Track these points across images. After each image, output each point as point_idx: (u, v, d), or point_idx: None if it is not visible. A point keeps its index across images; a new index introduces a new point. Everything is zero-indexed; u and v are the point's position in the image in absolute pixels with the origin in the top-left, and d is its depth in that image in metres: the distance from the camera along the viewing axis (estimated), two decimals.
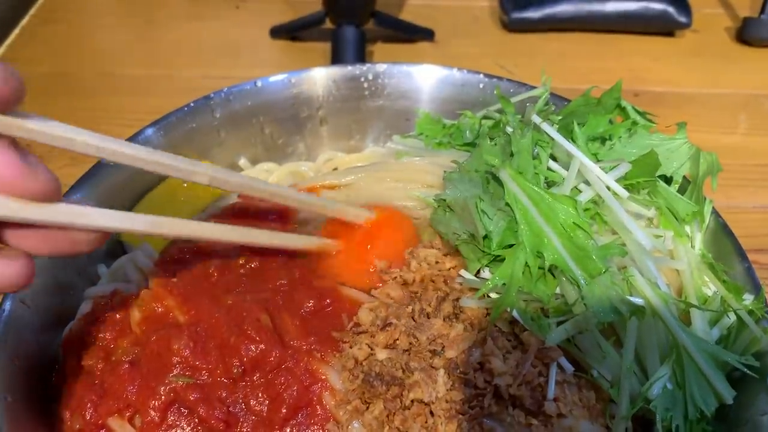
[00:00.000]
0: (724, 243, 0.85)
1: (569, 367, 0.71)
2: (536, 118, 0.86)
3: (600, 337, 0.71)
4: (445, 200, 0.83)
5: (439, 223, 0.84)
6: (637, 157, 0.81)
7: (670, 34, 1.74)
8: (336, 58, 1.51)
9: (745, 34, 1.68)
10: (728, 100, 1.54)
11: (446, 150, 1.02)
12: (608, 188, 0.79)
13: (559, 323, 0.71)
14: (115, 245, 0.98)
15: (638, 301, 0.71)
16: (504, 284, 0.74)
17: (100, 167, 0.96)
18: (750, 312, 0.75)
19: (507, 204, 0.76)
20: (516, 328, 0.73)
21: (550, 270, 0.74)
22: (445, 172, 0.85)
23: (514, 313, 0.72)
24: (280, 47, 1.70)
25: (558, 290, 0.74)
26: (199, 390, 0.69)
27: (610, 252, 0.72)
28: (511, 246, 0.75)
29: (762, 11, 1.64)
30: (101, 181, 0.95)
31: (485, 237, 0.76)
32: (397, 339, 0.73)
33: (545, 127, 0.85)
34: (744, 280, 0.81)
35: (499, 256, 0.76)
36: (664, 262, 0.79)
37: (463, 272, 0.80)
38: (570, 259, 0.72)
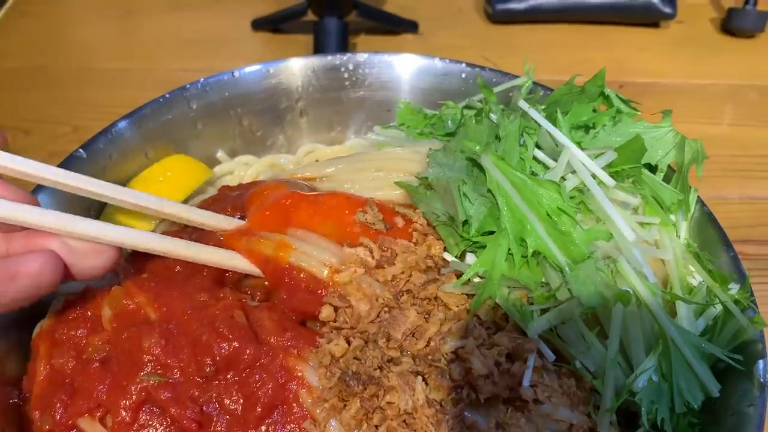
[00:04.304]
0: (710, 232, 0.84)
1: (550, 355, 0.69)
2: (523, 104, 0.84)
3: (584, 327, 0.70)
4: (427, 178, 0.81)
5: (420, 202, 0.82)
6: (623, 143, 0.80)
7: (655, 24, 1.74)
8: (318, 51, 1.49)
9: (730, 24, 1.67)
10: (713, 91, 1.53)
11: (427, 140, 1.00)
12: (594, 176, 0.77)
13: (543, 311, 0.69)
14: None
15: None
16: (486, 271, 0.72)
17: (73, 160, 0.93)
18: (736, 301, 0.74)
19: (489, 190, 0.74)
20: (496, 315, 0.71)
21: (534, 257, 0.72)
22: (430, 149, 0.83)
23: (498, 300, 0.70)
24: (261, 39, 1.68)
25: (543, 279, 0.73)
26: (171, 389, 0.67)
27: (595, 236, 0.70)
28: (491, 233, 0.73)
29: (746, 2, 1.63)
30: None
31: (465, 222, 0.74)
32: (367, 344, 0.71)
33: (533, 113, 0.83)
34: (729, 269, 0.80)
35: (478, 242, 0.74)
36: (649, 251, 0.78)
37: (446, 255, 0.78)
38: (553, 244, 0.70)
